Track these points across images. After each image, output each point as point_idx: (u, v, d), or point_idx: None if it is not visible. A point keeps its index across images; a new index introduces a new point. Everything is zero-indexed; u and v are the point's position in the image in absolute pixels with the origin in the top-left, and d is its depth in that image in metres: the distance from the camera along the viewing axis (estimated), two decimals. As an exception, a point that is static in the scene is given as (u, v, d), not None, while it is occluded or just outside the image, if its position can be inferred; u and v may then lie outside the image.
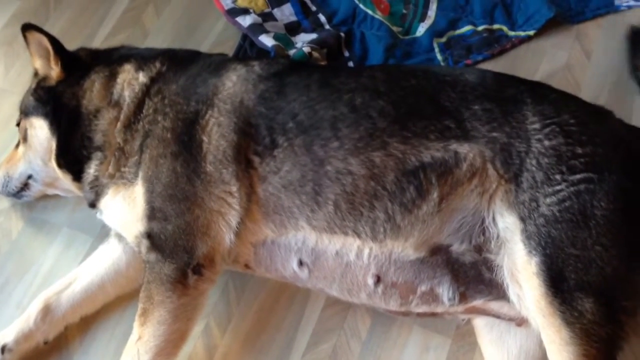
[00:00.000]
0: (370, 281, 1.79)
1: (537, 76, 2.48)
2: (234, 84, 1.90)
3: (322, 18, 2.73)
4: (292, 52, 2.55)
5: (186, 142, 1.83)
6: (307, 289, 1.96)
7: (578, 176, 1.66)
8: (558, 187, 1.66)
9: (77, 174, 2.02)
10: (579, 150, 1.69)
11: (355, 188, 1.74)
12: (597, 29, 2.59)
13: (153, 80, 1.97)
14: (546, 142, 1.70)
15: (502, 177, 1.71)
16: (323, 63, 2.53)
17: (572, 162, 1.67)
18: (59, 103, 2.03)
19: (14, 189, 2.22)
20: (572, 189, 1.65)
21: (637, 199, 1.69)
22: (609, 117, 1.84)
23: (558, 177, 1.67)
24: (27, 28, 2.04)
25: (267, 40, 2.56)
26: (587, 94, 2.24)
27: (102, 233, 2.18)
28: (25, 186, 2.21)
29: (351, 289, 1.83)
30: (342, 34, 2.64)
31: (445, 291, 1.77)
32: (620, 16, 2.67)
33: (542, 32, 2.60)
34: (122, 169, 1.91)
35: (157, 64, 2.02)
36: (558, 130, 1.71)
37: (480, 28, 2.63)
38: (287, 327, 2.05)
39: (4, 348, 1.94)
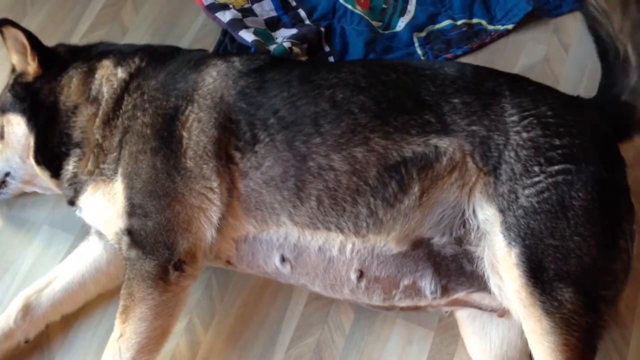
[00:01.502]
0: (353, 276, 1.80)
1: (516, 70, 2.49)
2: (214, 79, 1.89)
3: (302, 13, 2.73)
4: (272, 47, 2.54)
5: (166, 138, 1.82)
6: (290, 284, 1.96)
7: (556, 167, 1.67)
8: (536, 179, 1.67)
9: (55, 171, 2.00)
10: (557, 142, 1.70)
11: (337, 184, 1.74)
12: (574, 23, 2.60)
13: (132, 76, 1.96)
14: (524, 134, 1.71)
15: (481, 170, 1.72)
16: (303, 58, 2.53)
17: (550, 154, 1.69)
18: (37, 99, 2.01)
19: (-9, 187, 2.20)
20: (550, 180, 1.66)
21: (614, 189, 1.71)
22: (586, 108, 1.86)
23: (536, 168, 1.68)
24: (3, 23, 2.02)
25: (247, 36, 2.55)
26: (565, 87, 2.25)
27: (83, 231, 2.16)
28: (3, 184, 2.18)
29: (334, 285, 1.83)
30: (322, 29, 2.64)
31: (427, 284, 1.78)
32: (598, 9, 2.68)
33: (520, 26, 2.61)
34: (101, 166, 1.90)
35: (136, 60, 2.00)
36: (536, 122, 1.72)
37: (459, 22, 2.64)
38: (271, 322, 2.05)
39: (-16, 347, 1.92)
